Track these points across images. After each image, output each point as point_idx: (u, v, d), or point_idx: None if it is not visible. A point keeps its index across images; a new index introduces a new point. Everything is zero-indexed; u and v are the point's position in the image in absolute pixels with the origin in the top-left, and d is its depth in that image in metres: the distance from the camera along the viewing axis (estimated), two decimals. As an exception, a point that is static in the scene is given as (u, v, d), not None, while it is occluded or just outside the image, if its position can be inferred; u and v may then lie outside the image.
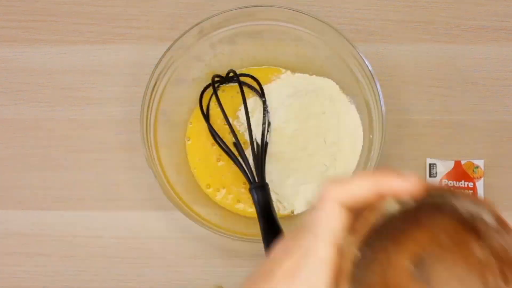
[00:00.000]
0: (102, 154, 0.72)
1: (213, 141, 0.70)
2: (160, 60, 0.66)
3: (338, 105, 0.70)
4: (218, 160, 0.70)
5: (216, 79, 0.70)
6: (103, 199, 0.70)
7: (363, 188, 0.36)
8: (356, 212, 0.36)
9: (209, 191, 0.69)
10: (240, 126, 0.70)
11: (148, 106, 0.66)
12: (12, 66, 0.75)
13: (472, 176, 0.69)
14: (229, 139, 0.69)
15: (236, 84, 0.70)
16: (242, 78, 0.71)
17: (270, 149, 0.68)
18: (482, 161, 0.70)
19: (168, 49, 0.66)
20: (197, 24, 0.67)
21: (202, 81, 0.71)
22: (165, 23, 0.76)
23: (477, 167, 0.69)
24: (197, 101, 0.70)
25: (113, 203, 0.70)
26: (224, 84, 0.72)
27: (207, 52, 0.70)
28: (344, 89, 0.71)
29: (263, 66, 0.73)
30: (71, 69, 0.75)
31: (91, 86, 0.74)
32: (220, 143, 0.68)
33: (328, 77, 0.71)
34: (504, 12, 0.76)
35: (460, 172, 0.69)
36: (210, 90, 0.71)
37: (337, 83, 0.71)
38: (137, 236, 0.69)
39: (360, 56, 0.65)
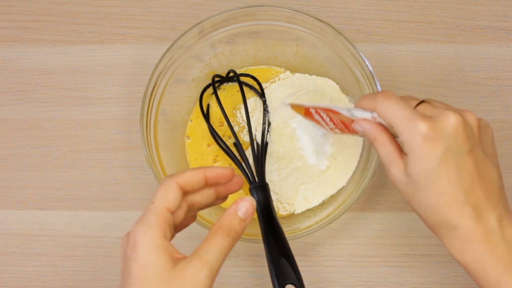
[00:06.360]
0: (102, 154, 0.72)
1: (209, 142, 0.70)
2: (160, 60, 0.66)
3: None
4: (215, 161, 0.70)
5: (216, 79, 0.70)
6: (103, 199, 0.70)
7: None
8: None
9: (208, 191, 0.69)
10: (235, 126, 0.70)
11: (148, 106, 0.66)
12: (12, 66, 0.75)
13: None
14: (227, 139, 0.69)
15: (236, 83, 0.70)
16: (242, 78, 0.71)
17: (270, 149, 0.68)
18: None
19: (168, 49, 0.66)
20: (197, 24, 0.67)
21: (202, 81, 0.71)
22: (165, 23, 0.77)
23: None
24: (197, 101, 0.70)
25: (113, 203, 0.70)
26: (224, 84, 0.72)
27: (207, 52, 0.70)
28: (344, 89, 0.71)
29: (263, 66, 0.73)
30: (71, 69, 0.75)
31: (91, 86, 0.74)
32: (220, 143, 0.68)
33: (328, 77, 0.71)
34: (504, 12, 0.76)
35: None
36: (210, 90, 0.71)
37: (337, 83, 0.71)
38: (137, 236, 0.69)
39: (360, 56, 0.65)
